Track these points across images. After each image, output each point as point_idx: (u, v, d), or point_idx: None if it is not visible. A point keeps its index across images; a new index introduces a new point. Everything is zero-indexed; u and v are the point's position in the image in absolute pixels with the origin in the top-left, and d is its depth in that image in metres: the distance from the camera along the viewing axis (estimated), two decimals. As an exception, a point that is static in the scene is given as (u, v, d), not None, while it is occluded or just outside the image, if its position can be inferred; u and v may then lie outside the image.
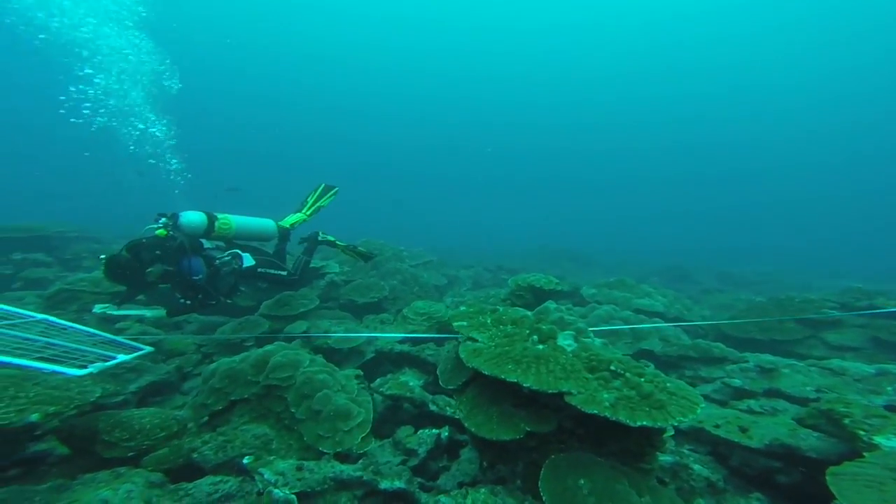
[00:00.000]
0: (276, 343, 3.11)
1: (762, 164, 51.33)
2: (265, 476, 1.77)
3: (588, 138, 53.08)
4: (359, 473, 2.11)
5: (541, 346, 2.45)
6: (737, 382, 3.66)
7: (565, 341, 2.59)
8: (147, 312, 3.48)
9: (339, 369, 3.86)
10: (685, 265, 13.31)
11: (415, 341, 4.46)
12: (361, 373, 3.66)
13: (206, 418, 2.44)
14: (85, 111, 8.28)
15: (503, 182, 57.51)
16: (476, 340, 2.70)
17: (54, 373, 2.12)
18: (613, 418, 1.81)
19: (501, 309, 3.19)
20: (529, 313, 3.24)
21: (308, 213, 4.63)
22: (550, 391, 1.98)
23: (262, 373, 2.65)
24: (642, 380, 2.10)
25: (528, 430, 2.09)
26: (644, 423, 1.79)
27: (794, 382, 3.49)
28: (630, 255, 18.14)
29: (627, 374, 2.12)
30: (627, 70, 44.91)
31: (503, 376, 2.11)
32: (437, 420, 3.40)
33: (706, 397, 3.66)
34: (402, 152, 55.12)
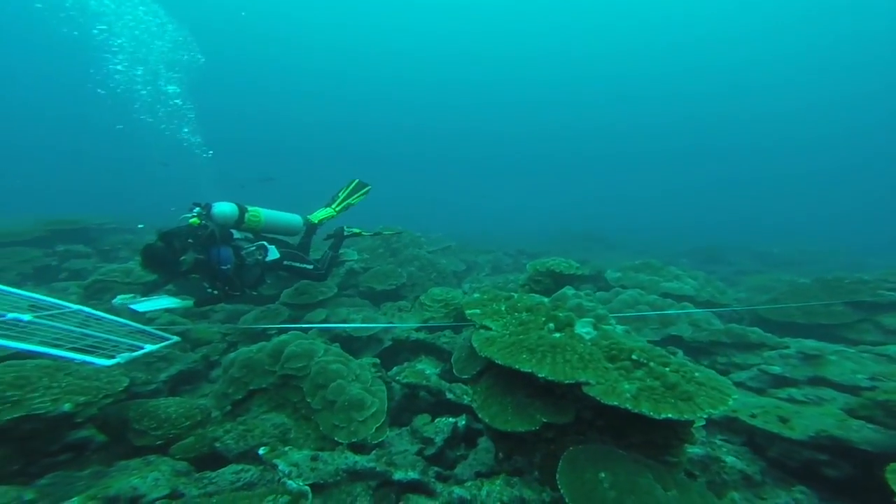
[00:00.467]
0: (291, 333, 3.15)
1: (799, 131, 47.17)
2: (279, 467, 1.81)
3: (609, 115, 50.50)
4: (372, 464, 2.12)
5: (557, 335, 2.35)
6: (776, 369, 3.43)
7: (583, 329, 2.48)
8: (170, 303, 3.58)
9: (357, 358, 3.92)
10: (717, 245, 12.57)
11: (432, 329, 4.45)
12: (378, 361, 3.69)
13: (228, 407, 2.52)
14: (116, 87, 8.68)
15: (524, 165, 56.35)
16: (489, 329, 2.64)
17: (84, 363, 2.23)
18: (635, 410, 1.71)
19: (516, 296, 3.10)
20: (545, 300, 3.12)
21: (337, 208, 4.64)
22: (567, 382, 1.90)
23: (279, 362, 2.70)
24: (667, 369, 1.97)
25: (545, 421, 2.03)
26: (669, 415, 1.68)
27: (843, 370, 3.22)
28: (657, 236, 17.33)
29: (651, 364, 1.99)
30: (653, 41, 42.02)
31: (517, 366, 2.04)
32: (455, 408, 3.39)
33: (741, 385, 3.45)
34: (420, 137, 54.71)
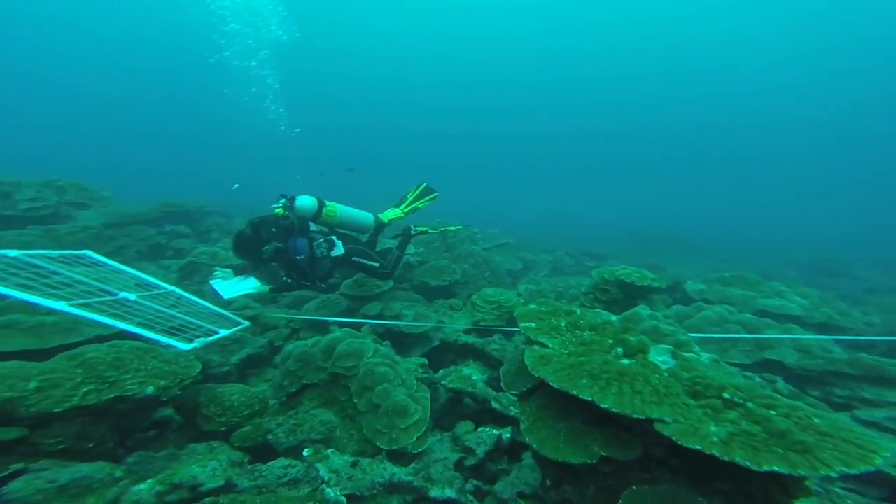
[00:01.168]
0: (344, 330, 3.27)
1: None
2: (320, 472, 1.87)
3: (693, 110, 45.24)
4: (410, 478, 2.12)
5: (626, 361, 2.08)
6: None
7: (659, 357, 2.17)
8: (252, 288, 3.94)
9: (406, 354, 3.98)
10: (838, 257, 10.41)
11: (482, 331, 4.34)
12: (426, 361, 3.69)
13: (283, 398, 2.70)
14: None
15: (594, 163, 52.93)
16: (545, 346, 2.45)
17: (168, 345, 2.53)
18: (725, 458, 1.42)
19: (579, 311, 2.82)
20: (614, 318, 2.80)
21: (405, 210, 4.75)
22: (635, 416, 1.67)
23: (330, 359, 2.81)
24: (773, 413, 1.61)
25: (604, 454, 1.82)
26: (775, 468, 1.37)
27: None
28: (755, 244, 14.88)
29: (749, 405, 1.64)
30: (747, 35, 35.77)
31: (575, 392, 1.84)
32: (500, 419, 3.27)
33: (874, 426, 2.81)
34: (485, 133, 53.63)
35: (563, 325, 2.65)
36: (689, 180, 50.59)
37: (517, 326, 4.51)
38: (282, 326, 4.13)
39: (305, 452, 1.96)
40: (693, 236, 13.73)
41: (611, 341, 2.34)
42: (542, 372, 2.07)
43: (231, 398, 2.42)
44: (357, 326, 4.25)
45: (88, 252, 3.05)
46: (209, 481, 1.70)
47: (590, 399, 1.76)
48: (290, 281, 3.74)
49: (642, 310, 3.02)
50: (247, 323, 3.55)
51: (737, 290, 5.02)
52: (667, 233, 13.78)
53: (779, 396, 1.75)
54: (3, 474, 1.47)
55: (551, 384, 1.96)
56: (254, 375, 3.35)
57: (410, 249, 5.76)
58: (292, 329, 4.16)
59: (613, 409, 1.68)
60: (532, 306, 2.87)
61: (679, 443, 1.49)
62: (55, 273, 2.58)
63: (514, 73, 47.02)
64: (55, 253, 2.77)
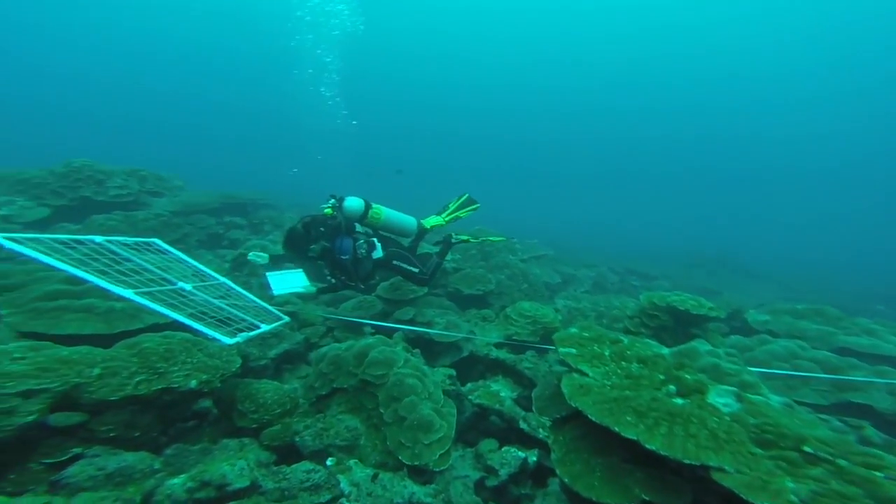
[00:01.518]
0: (377, 337, 3.29)
1: None
2: (341, 484, 1.88)
3: (753, 119, 41.17)
4: (429, 500, 2.07)
5: (679, 401, 1.89)
6: None
7: (721, 398, 1.94)
8: (299, 286, 4.09)
9: (435, 363, 3.94)
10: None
11: (514, 346, 4.20)
12: (454, 372, 3.63)
13: (313, 399, 2.77)
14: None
15: (645, 174, 49.78)
16: (585, 374, 2.29)
17: (213, 339, 2.69)
18: None
19: (626, 340, 2.61)
20: (665, 351, 2.56)
21: (446, 218, 4.77)
22: (687, 461, 1.50)
23: (361, 366, 2.84)
24: (880, 475, 1.37)
25: (646, 499, 1.66)
26: None
27: None
28: (826, 270, 13.09)
29: (842, 462, 1.41)
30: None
31: (617, 428, 1.70)
32: (527, 440, 3.13)
33: None
34: (529, 143, 52.36)
35: (607, 353, 2.47)
36: (751, 192, 46.33)
37: (552, 344, 4.30)
38: (318, 324, 4.27)
39: (329, 462, 1.98)
40: (753, 259, 12.36)
41: (662, 377, 2.13)
42: (581, 403, 1.94)
43: (265, 395, 2.52)
44: (389, 330, 4.30)
45: (156, 240, 3.33)
46: (236, 481, 1.76)
47: (634, 438, 1.62)
48: (334, 281, 3.84)
49: (700, 345, 2.73)
50: (287, 318, 3.70)
51: (811, 324, 4.43)
52: (723, 255, 12.51)
53: (887, 456, 1.48)
54: (64, 458, 1.64)
55: (590, 417, 1.83)
56: (288, 371, 3.49)
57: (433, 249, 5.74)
58: (328, 327, 4.29)
59: (661, 452, 1.53)
60: (573, 330, 2.70)
61: (743, 496, 1.31)
62: (127, 260, 2.82)
63: (562, 78, 45.74)
64: (129, 240, 3.06)
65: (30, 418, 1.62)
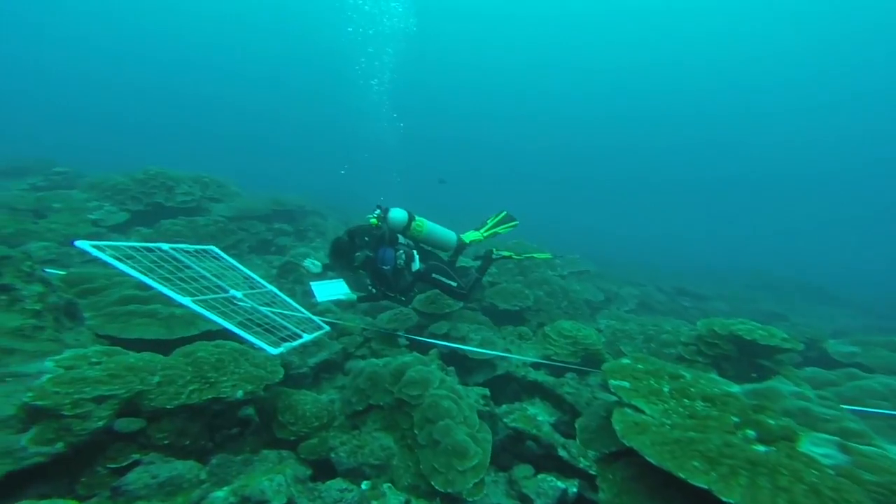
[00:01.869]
0: (413, 355, 3.29)
1: None
2: (374, 512, 1.87)
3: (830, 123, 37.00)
4: (462, 534, 2.01)
5: (762, 448, 1.69)
6: None
7: (818, 448, 1.71)
8: (342, 293, 4.22)
9: (468, 380, 3.87)
10: None
11: (553, 368, 4.02)
12: (488, 392, 3.53)
13: (350, 413, 2.81)
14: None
15: (696, 184, 46.49)
16: (641, 411, 2.12)
17: (259, 348, 2.82)
18: None
19: (689, 375, 2.39)
20: (736, 389, 2.31)
21: (485, 234, 4.76)
22: None
23: (398, 384, 2.84)
24: None
25: None
26: None
27: None
28: None
29: None
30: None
31: (682, 474, 1.55)
32: (566, 469, 2.97)
33: None
34: (579, 153, 50.63)
35: (665, 389, 2.27)
36: (820, 202, 41.64)
37: (593, 367, 4.07)
38: (356, 333, 4.36)
39: (364, 485, 1.99)
40: (824, 278, 10.92)
41: (735, 419, 1.91)
42: (636, 442, 1.79)
43: (304, 407, 2.59)
44: (425, 344, 4.29)
45: (213, 247, 3.59)
46: (274, 498, 1.81)
47: (704, 486, 1.46)
48: (374, 291, 3.92)
49: (781, 385, 2.44)
50: (327, 328, 3.82)
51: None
52: (790, 275, 11.19)
53: None
54: (125, 463, 1.77)
55: (647, 458, 1.68)
56: (326, 380, 3.59)
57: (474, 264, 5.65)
58: (365, 337, 4.37)
59: (744, 507, 1.36)
60: (626, 360, 2.52)
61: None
62: (188, 267, 3.05)
63: (606, 84, 44.28)
64: (190, 247, 3.31)
65: (100, 423, 1.77)
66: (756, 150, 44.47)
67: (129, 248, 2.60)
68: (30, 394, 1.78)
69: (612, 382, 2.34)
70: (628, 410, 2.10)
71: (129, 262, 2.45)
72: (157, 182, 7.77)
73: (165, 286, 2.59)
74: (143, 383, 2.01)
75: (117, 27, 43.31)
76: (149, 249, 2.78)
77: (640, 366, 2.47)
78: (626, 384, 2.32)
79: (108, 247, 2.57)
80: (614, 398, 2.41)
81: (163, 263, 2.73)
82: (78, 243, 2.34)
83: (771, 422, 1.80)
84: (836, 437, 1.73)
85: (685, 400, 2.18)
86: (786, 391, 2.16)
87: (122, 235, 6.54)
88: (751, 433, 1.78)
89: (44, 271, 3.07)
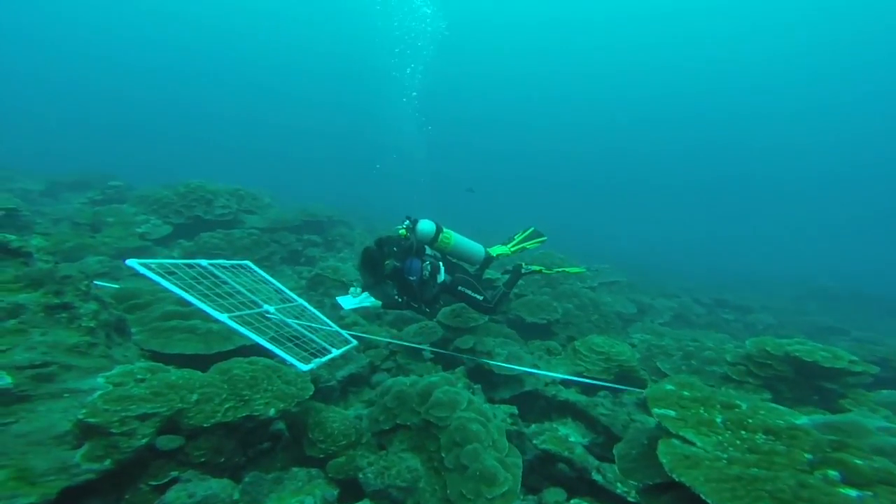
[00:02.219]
0: (439, 374, 3.26)
1: None
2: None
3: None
4: (492, 568, 1.94)
5: (853, 493, 1.52)
6: None
7: None
8: (366, 301, 4.27)
9: (494, 395, 3.79)
10: None
11: (585, 386, 3.87)
12: (516, 410, 3.44)
13: (378, 431, 2.82)
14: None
15: (737, 186, 43.92)
16: (691, 443, 1.98)
17: (290, 364, 2.88)
18: None
19: (745, 405, 2.22)
20: (805, 421, 2.11)
21: (512, 249, 4.70)
22: None
23: (425, 405, 2.82)
24: None
25: None
26: None
27: None
28: None
29: None
30: None
31: None
32: (601, 494, 2.84)
33: None
34: (595, 157, 49.37)
35: (718, 420, 2.11)
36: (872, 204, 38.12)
37: (627, 384, 3.88)
38: (382, 346, 4.40)
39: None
40: (888, 291, 9.83)
41: (808, 456, 1.74)
42: (688, 478, 1.67)
43: (332, 425, 2.62)
44: (450, 358, 4.25)
45: (247, 262, 3.74)
46: (304, 520, 1.83)
47: None
48: (400, 300, 3.93)
49: (865, 419, 2.21)
50: (355, 342, 3.87)
51: None
52: (841, 284, 10.15)
53: None
54: (164, 481, 1.85)
55: (703, 496, 1.56)
56: (353, 394, 3.62)
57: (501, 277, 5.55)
58: (391, 350, 4.39)
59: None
60: (669, 386, 2.38)
61: None
62: (224, 283, 3.19)
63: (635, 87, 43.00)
64: (227, 263, 3.47)
65: (144, 441, 1.86)
66: (792, 151, 41.68)
67: (172, 264, 2.75)
68: (83, 410, 1.90)
69: (656, 410, 2.20)
70: (676, 441, 1.97)
71: (171, 278, 2.59)
72: (197, 195, 8.23)
73: (204, 302, 2.71)
74: (183, 401, 2.10)
75: (165, 51, 46.78)
76: (189, 266, 2.93)
77: (685, 392, 2.31)
78: (672, 413, 2.17)
79: (154, 264, 2.73)
80: (654, 420, 2.27)
81: (202, 279, 2.86)
82: (128, 262, 2.50)
83: (859, 462, 1.62)
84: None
85: (742, 431, 2.00)
86: (871, 427, 1.94)
87: (166, 248, 6.96)
88: (833, 473, 1.60)
89: (97, 286, 3.30)
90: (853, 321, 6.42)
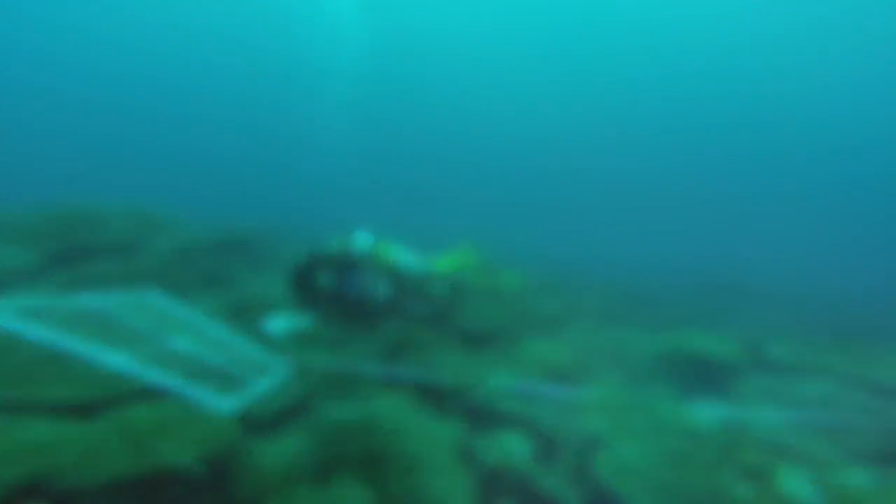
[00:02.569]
0: (384, 400, 3.12)
1: None
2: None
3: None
4: None
5: (744, 489, 1.69)
6: None
7: (793, 483, 1.74)
8: (295, 323, 3.93)
9: (441, 413, 3.71)
10: None
11: (525, 393, 3.99)
12: (464, 426, 3.42)
13: (317, 466, 2.56)
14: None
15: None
16: (624, 452, 2.09)
17: (208, 405, 2.50)
18: None
19: (662, 408, 2.42)
20: (709, 420, 2.36)
21: (455, 263, 4.69)
22: None
23: (367, 433, 2.65)
24: None
25: None
26: None
27: None
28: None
29: None
30: None
31: None
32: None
33: None
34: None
35: (640, 425, 2.28)
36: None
37: (566, 387, 4.08)
38: (318, 371, 4.07)
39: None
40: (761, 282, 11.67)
41: (712, 456, 1.94)
42: (627, 490, 1.77)
43: (265, 461, 2.31)
44: (393, 377, 4.09)
45: (151, 293, 3.24)
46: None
47: None
48: (336, 319, 3.72)
49: (751, 413, 2.54)
50: (287, 370, 3.52)
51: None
52: (718, 274, 11.84)
53: None
54: None
55: None
56: (286, 426, 3.27)
57: (443, 290, 5.56)
58: (328, 374, 4.08)
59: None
60: (600, 391, 2.53)
61: None
62: (119, 317, 2.71)
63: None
64: (121, 295, 2.95)
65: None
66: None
67: (39, 305, 2.23)
68: None
69: (591, 420, 2.32)
70: (610, 453, 2.08)
71: (36, 321, 2.09)
72: (79, 221, 6.94)
73: (88, 345, 2.24)
74: (55, 459, 1.66)
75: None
76: (63, 302, 2.42)
77: (612, 400, 2.49)
78: (606, 422, 2.31)
79: (12, 306, 2.18)
80: (592, 427, 2.39)
81: (84, 317, 2.38)
82: None
83: (746, 458, 1.83)
84: (808, 471, 1.78)
85: (661, 437, 2.18)
86: (756, 420, 2.25)
87: (38, 280, 5.68)
88: (731, 471, 1.80)
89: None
90: (735, 312, 7.59)
